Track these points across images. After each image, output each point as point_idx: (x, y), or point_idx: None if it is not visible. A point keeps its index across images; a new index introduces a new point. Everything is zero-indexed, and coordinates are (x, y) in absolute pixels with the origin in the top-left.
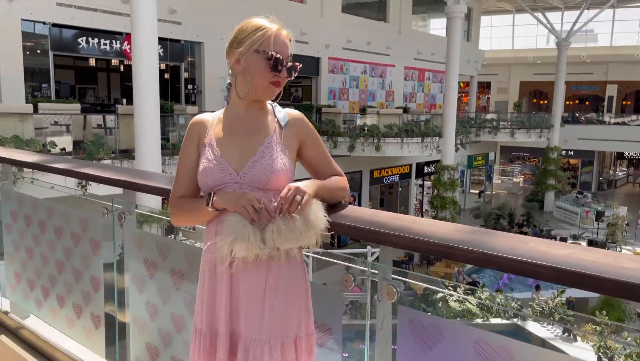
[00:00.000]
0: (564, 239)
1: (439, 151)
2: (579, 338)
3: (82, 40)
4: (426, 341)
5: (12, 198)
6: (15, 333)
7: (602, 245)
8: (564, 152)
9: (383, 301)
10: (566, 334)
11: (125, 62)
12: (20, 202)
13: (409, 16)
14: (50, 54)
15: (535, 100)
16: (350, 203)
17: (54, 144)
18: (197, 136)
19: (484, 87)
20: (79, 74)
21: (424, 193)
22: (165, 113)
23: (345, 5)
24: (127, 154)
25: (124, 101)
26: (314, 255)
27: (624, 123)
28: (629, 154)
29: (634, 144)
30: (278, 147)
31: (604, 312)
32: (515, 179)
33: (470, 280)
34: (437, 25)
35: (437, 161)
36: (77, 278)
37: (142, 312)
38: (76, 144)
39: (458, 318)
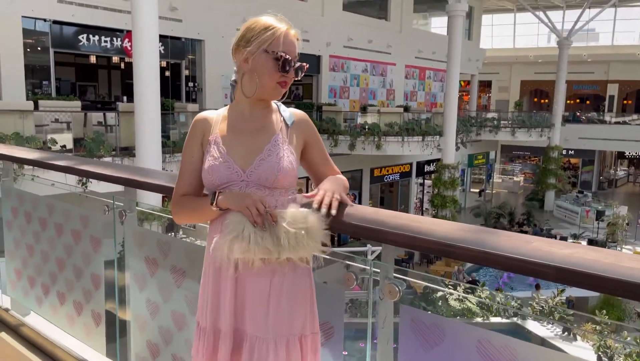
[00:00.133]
0: (564, 239)
1: (440, 150)
2: (578, 337)
3: (82, 38)
4: (428, 341)
5: (13, 195)
6: (16, 331)
7: (602, 245)
8: (564, 152)
9: (385, 299)
10: (566, 333)
11: (126, 59)
12: (20, 199)
13: (410, 14)
14: (51, 51)
15: (536, 99)
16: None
17: (54, 142)
18: (201, 134)
19: (485, 86)
20: (79, 71)
21: (425, 191)
22: (166, 111)
23: (347, 4)
24: (128, 151)
25: (125, 98)
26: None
27: (624, 123)
28: (629, 153)
29: (634, 143)
30: (284, 146)
31: (604, 311)
32: (515, 178)
33: (470, 279)
34: (438, 24)
35: (438, 160)
36: (78, 276)
37: (142, 310)
38: (77, 141)
39: (458, 317)
